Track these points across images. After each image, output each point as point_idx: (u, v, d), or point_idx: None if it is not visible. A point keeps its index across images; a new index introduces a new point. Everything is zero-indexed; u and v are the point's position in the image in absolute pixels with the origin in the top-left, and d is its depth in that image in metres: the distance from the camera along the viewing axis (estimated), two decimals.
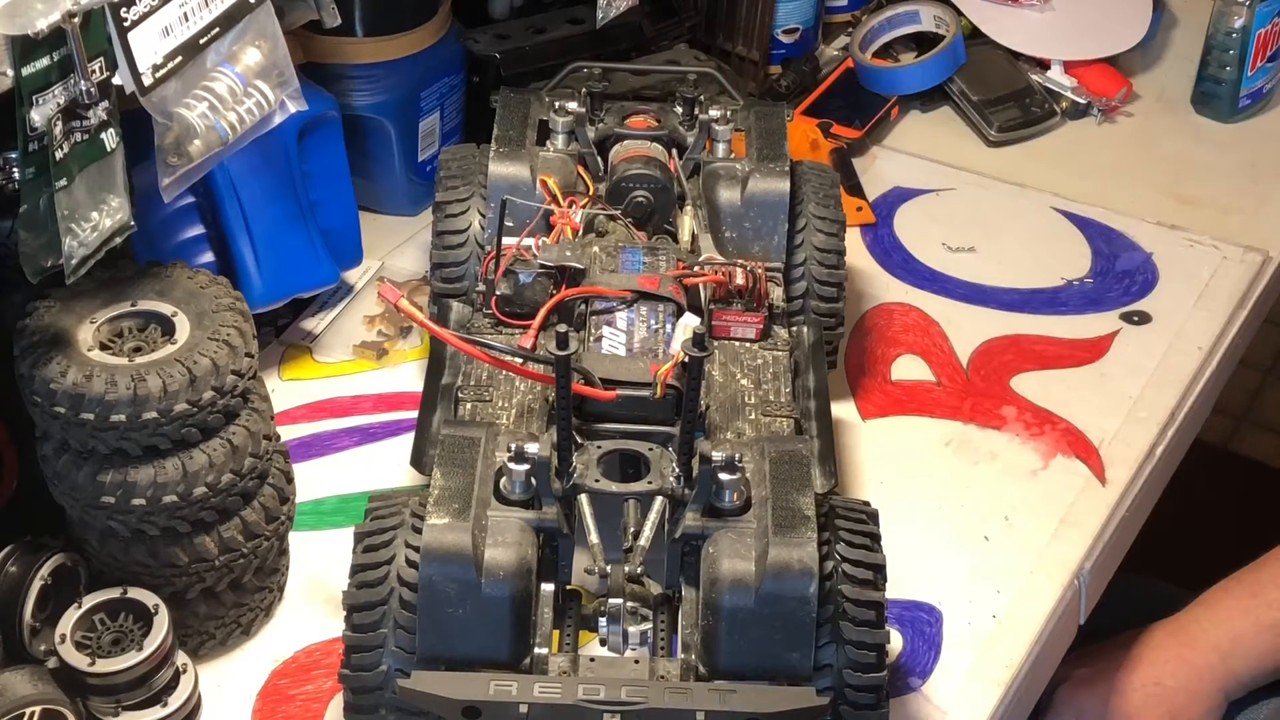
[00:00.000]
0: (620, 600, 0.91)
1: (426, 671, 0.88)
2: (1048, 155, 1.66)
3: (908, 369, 1.36)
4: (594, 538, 0.92)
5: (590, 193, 1.22)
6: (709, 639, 0.90)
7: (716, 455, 0.92)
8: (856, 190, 1.55)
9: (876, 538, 0.93)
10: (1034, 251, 1.51)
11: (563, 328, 0.90)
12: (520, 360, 1.03)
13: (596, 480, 0.95)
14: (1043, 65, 1.74)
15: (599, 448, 0.97)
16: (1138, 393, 1.34)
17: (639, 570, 0.92)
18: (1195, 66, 1.73)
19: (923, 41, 1.75)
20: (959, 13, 1.74)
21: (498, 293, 1.11)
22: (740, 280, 1.13)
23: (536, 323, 1.06)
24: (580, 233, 1.16)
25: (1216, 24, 1.69)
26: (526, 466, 0.93)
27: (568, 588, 0.97)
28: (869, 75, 1.69)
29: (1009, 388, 1.34)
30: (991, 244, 1.52)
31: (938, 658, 1.11)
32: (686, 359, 0.93)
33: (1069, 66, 1.73)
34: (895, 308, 1.43)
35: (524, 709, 0.86)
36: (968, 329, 1.40)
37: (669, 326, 1.06)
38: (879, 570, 0.92)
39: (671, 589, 0.96)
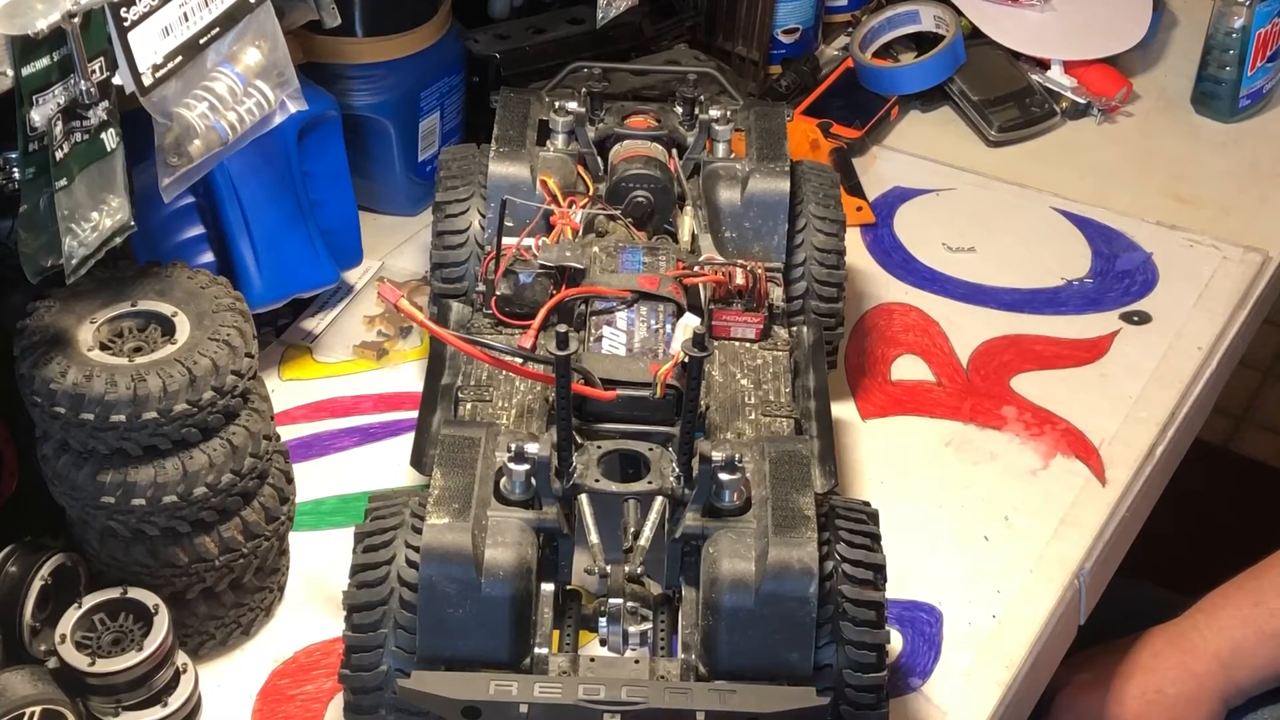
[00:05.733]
0: (620, 600, 0.91)
1: (426, 671, 0.88)
2: (1048, 155, 1.66)
3: (908, 369, 1.36)
4: (594, 538, 0.92)
5: (590, 193, 1.22)
6: (709, 639, 0.90)
7: (716, 455, 0.91)
8: (856, 190, 1.55)
9: (876, 538, 0.93)
10: (1034, 251, 1.51)
11: (563, 328, 0.90)
12: (520, 360, 1.03)
13: (596, 480, 0.95)
14: (1043, 65, 1.74)
15: (599, 448, 0.97)
16: (1138, 393, 1.34)
17: (639, 570, 0.92)
18: (1195, 66, 1.73)
19: (923, 41, 1.75)
20: (959, 13, 1.74)
21: (497, 293, 1.11)
22: (740, 280, 1.12)
23: (536, 323, 1.06)
24: (580, 233, 1.16)
25: (1216, 24, 1.69)
26: (526, 466, 0.93)
27: (568, 588, 0.97)
28: (869, 75, 1.69)
29: (1009, 388, 1.34)
30: (991, 244, 1.52)
31: (938, 658, 1.11)
32: (686, 359, 0.93)
33: (1069, 66, 1.73)
34: (895, 308, 1.43)
35: (524, 709, 0.85)
36: (968, 329, 1.40)
37: (669, 326, 1.06)
38: (879, 570, 0.92)
39: (671, 589, 0.96)
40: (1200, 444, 1.44)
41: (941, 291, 1.45)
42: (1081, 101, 1.71)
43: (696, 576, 0.93)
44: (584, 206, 1.18)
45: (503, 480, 0.94)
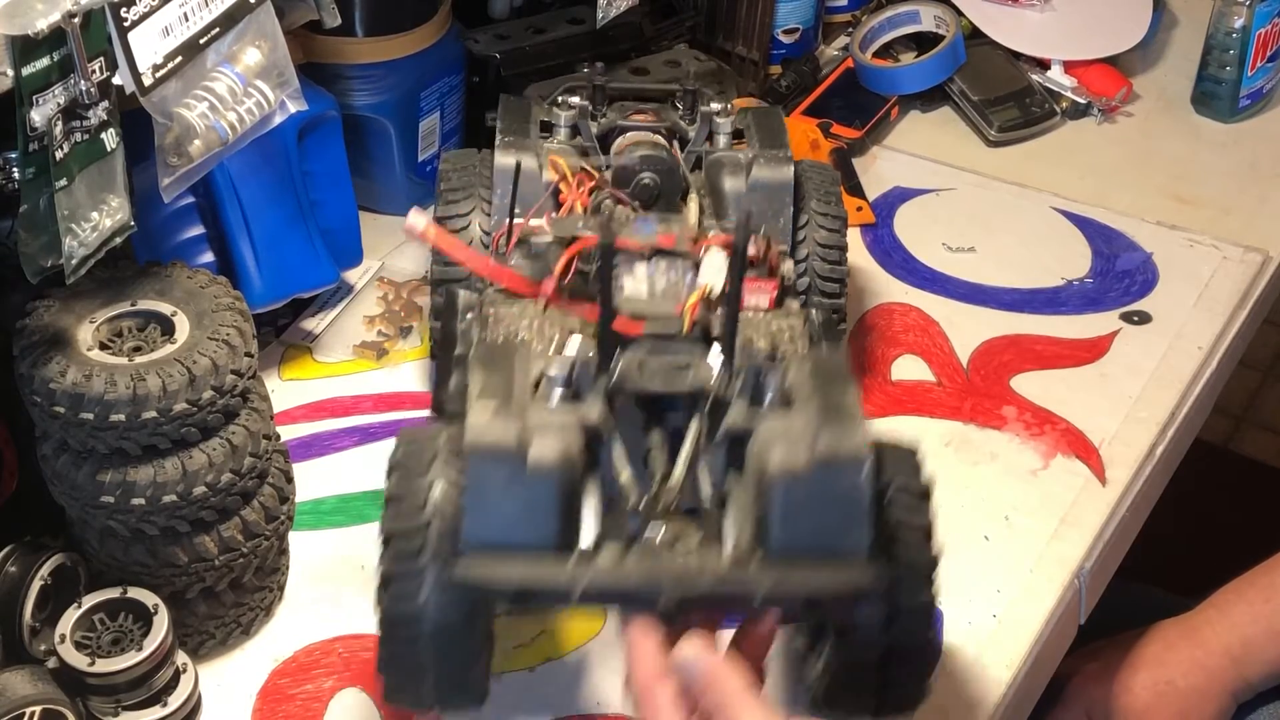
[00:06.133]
0: (661, 524, 0.90)
1: (476, 558, 0.85)
2: (1048, 155, 1.66)
3: (908, 369, 1.36)
4: (626, 474, 0.91)
5: (596, 178, 1.21)
6: (761, 528, 0.88)
7: (760, 344, 0.90)
8: (856, 190, 1.55)
9: (922, 464, 0.93)
10: (1034, 251, 1.51)
11: (607, 204, 0.88)
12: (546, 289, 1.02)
13: (638, 378, 0.93)
14: (1043, 65, 1.74)
15: (636, 355, 0.96)
16: (1138, 393, 1.34)
17: (673, 506, 0.91)
18: (1195, 66, 1.73)
19: (923, 41, 1.75)
20: (959, 13, 1.74)
21: (511, 263, 1.10)
22: (752, 249, 1.12)
23: (559, 268, 1.05)
24: (589, 212, 1.15)
25: (1216, 24, 1.69)
26: (568, 365, 0.91)
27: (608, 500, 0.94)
28: (869, 75, 1.69)
29: (1009, 388, 1.34)
30: (991, 244, 1.52)
31: (938, 657, 1.11)
32: (733, 235, 0.90)
33: (1069, 66, 1.73)
34: (895, 308, 1.43)
35: (578, 590, 0.84)
36: (968, 329, 1.40)
37: (688, 279, 1.05)
38: (927, 494, 0.92)
39: (718, 491, 0.94)
40: (1200, 444, 1.44)
41: (941, 291, 1.45)
42: (1081, 101, 1.71)
43: (743, 470, 0.91)
44: (592, 187, 1.17)
45: (542, 383, 0.92)
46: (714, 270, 1.05)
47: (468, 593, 0.86)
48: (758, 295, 1.10)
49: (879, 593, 0.87)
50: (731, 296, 0.92)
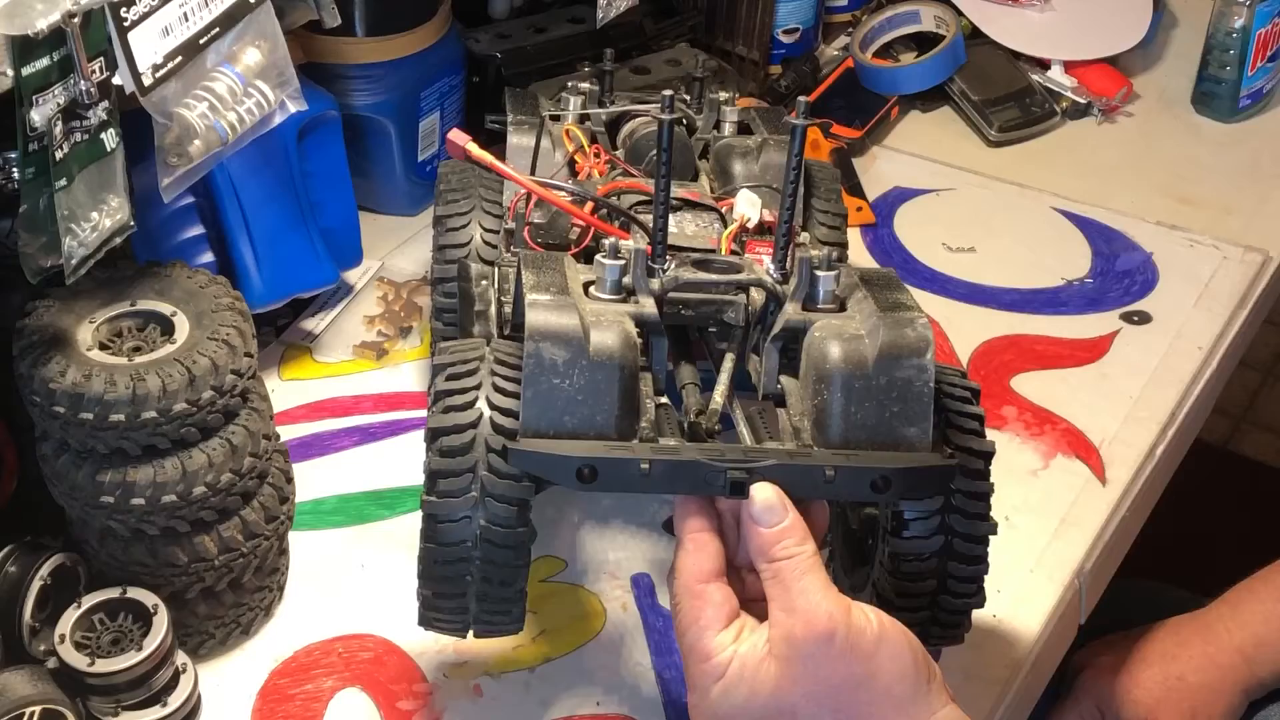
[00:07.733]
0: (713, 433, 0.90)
1: (537, 440, 0.85)
2: (1048, 155, 1.66)
3: None
4: (685, 377, 0.92)
5: (609, 155, 1.21)
6: (822, 417, 0.88)
7: (815, 251, 0.91)
8: (856, 190, 1.55)
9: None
10: (1034, 251, 1.51)
11: (667, 92, 0.89)
12: (593, 209, 1.02)
13: (692, 274, 0.93)
14: (1043, 65, 1.74)
15: (688, 256, 0.96)
16: (1138, 393, 1.34)
17: (716, 428, 0.91)
18: (1195, 66, 1.73)
19: (923, 41, 1.75)
20: (959, 13, 1.74)
21: (531, 221, 1.09)
22: (768, 217, 1.12)
23: (600, 190, 1.06)
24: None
25: (1216, 24, 1.69)
26: (621, 261, 0.91)
27: (661, 401, 0.94)
28: (869, 75, 1.69)
29: (1009, 388, 1.34)
30: (991, 244, 1.52)
31: (938, 657, 1.10)
32: (794, 125, 0.90)
33: (1069, 66, 1.74)
34: None
35: (645, 466, 0.83)
36: (968, 329, 1.40)
37: (715, 228, 1.05)
38: (976, 389, 0.93)
39: (771, 395, 0.94)
40: (1200, 444, 1.44)
41: (941, 291, 1.45)
42: (1081, 101, 1.71)
43: (798, 369, 0.91)
44: (607, 160, 1.17)
45: (593, 286, 0.92)
46: (748, 203, 1.05)
47: (520, 486, 0.85)
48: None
49: (948, 471, 0.87)
50: (785, 195, 0.92)
